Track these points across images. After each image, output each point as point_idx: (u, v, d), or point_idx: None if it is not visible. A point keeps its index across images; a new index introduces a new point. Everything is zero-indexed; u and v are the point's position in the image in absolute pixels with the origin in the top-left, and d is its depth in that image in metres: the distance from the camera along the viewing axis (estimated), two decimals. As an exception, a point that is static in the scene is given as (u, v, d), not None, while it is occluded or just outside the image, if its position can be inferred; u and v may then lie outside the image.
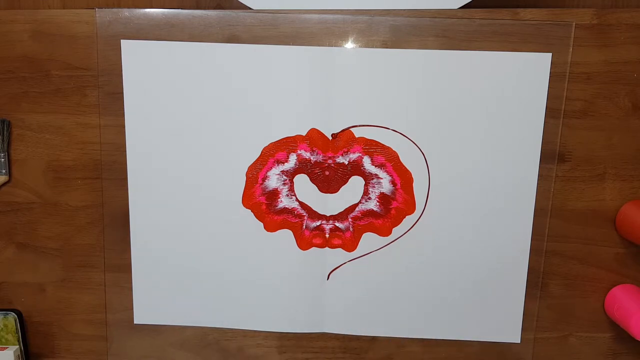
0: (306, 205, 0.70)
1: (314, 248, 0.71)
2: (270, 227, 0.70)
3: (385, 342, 0.74)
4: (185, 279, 0.72)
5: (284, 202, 0.70)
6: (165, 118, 0.68)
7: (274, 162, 0.69)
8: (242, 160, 0.69)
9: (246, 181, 0.69)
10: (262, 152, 0.68)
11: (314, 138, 0.68)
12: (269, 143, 0.68)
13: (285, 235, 0.70)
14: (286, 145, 0.68)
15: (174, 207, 0.70)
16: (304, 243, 0.70)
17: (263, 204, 0.70)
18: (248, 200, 0.70)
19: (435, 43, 0.65)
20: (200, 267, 0.72)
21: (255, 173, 0.69)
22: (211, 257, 0.71)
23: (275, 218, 0.70)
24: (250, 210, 0.70)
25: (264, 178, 0.69)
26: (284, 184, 0.69)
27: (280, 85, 0.66)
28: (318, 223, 0.70)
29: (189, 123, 0.68)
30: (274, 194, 0.69)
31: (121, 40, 0.66)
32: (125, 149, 0.69)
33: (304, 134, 0.67)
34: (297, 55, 0.66)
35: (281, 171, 0.69)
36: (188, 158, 0.69)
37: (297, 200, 0.70)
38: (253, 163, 0.69)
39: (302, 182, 0.69)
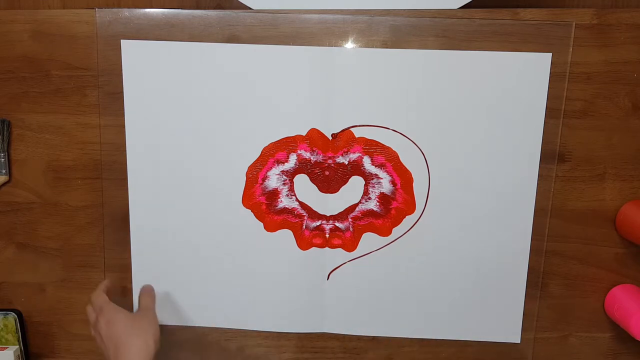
0: (306, 205, 0.70)
1: (314, 248, 0.71)
2: (270, 227, 0.70)
3: (385, 342, 0.74)
4: (185, 279, 0.72)
5: (284, 202, 0.70)
6: (165, 118, 0.68)
7: (274, 162, 0.69)
8: (242, 160, 0.69)
9: (246, 181, 0.69)
10: (262, 152, 0.68)
11: (314, 138, 0.68)
12: (269, 143, 0.68)
13: (285, 235, 0.70)
14: (286, 145, 0.68)
15: (174, 207, 0.70)
16: (304, 243, 0.70)
17: (263, 204, 0.70)
18: (248, 200, 0.70)
19: (435, 43, 0.65)
20: (200, 267, 0.72)
21: (255, 173, 0.69)
22: (211, 257, 0.71)
23: (275, 218, 0.70)
24: (250, 210, 0.70)
25: (264, 178, 0.69)
26: (284, 184, 0.69)
27: (280, 85, 0.66)
28: (318, 223, 0.70)
29: (189, 123, 0.68)
30: (274, 194, 0.69)
31: (121, 40, 0.66)
32: (125, 149, 0.69)
33: (304, 134, 0.67)
34: (297, 55, 0.66)
35: (281, 171, 0.69)
36: (188, 158, 0.69)
37: (297, 200, 0.70)
38: (253, 163, 0.69)
39: (302, 182, 0.69)
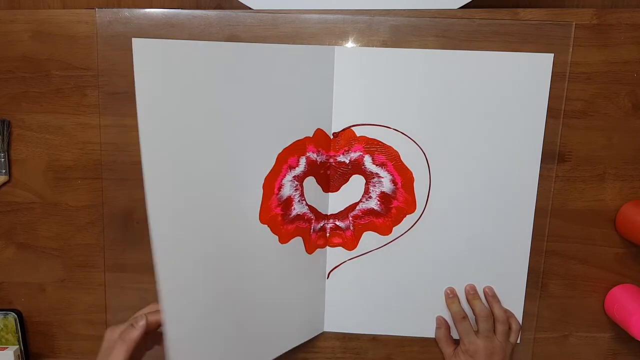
0: (313, 207, 0.69)
1: (317, 249, 0.70)
2: (284, 239, 0.66)
3: (385, 341, 0.74)
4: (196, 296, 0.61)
5: (297, 208, 0.67)
6: (181, 130, 0.55)
7: (287, 168, 0.65)
8: (258, 172, 0.62)
9: (263, 194, 0.63)
10: (276, 159, 0.63)
11: (319, 139, 0.67)
12: (282, 149, 0.64)
13: (296, 244, 0.68)
14: (297, 149, 0.65)
15: (193, 224, 0.58)
16: (311, 247, 0.69)
17: (279, 216, 0.65)
18: (265, 214, 0.64)
19: (435, 43, 0.65)
20: (215, 285, 0.61)
21: (272, 183, 0.64)
22: (230, 277, 0.63)
23: (289, 227, 0.67)
24: (266, 226, 0.64)
25: (280, 187, 0.65)
26: (295, 189, 0.66)
27: (281, 85, 0.65)
28: (322, 224, 0.70)
29: (203, 134, 0.57)
30: (288, 203, 0.66)
31: (132, 39, 0.52)
32: (125, 148, 0.69)
33: (310, 135, 0.66)
34: (298, 55, 0.65)
35: (293, 177, 0.66)
36: (205, 173, 0.58)
37: (307, 204, 0.68)
38: (269, 173, 0.63)
39: (309, 184, 0.68)
